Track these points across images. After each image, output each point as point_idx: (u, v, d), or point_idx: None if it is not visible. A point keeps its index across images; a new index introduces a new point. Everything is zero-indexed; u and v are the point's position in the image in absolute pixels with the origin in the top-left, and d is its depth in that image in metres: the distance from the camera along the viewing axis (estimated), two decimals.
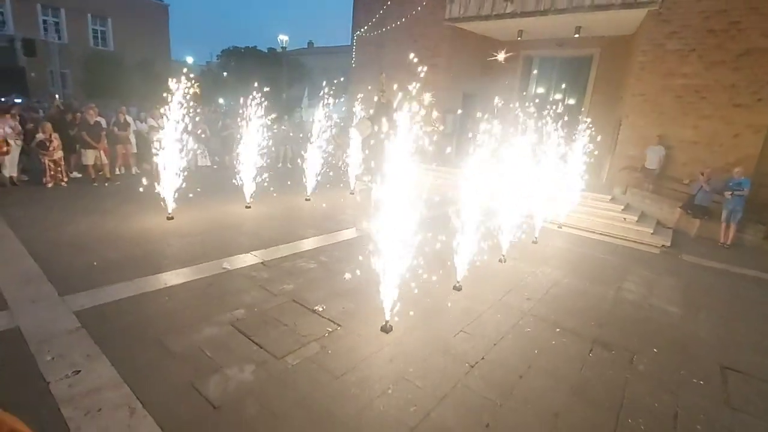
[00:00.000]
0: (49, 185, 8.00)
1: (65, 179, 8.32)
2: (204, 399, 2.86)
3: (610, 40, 12.00)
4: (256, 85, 7.29)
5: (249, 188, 7.90)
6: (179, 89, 6.28)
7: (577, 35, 11.31)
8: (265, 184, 8.32)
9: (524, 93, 14.06)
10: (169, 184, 6.67)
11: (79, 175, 8.98)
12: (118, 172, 9.63)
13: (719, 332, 4.56)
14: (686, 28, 8.94)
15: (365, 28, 14.72)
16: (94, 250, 5.26)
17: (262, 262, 5.33)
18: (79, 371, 3.00)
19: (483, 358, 3.63)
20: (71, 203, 7.24)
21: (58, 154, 8.10)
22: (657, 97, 9.51)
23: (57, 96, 13.97)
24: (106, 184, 8.62)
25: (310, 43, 38.45)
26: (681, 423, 3.02)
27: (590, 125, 8.18)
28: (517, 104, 6.28)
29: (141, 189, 6.54)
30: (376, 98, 6.96)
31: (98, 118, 8.88)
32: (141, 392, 2.84)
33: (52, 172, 8.01)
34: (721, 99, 8.74)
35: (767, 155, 8.59)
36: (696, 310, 5.05)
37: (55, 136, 8.04)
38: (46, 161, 7.89)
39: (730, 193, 7.76)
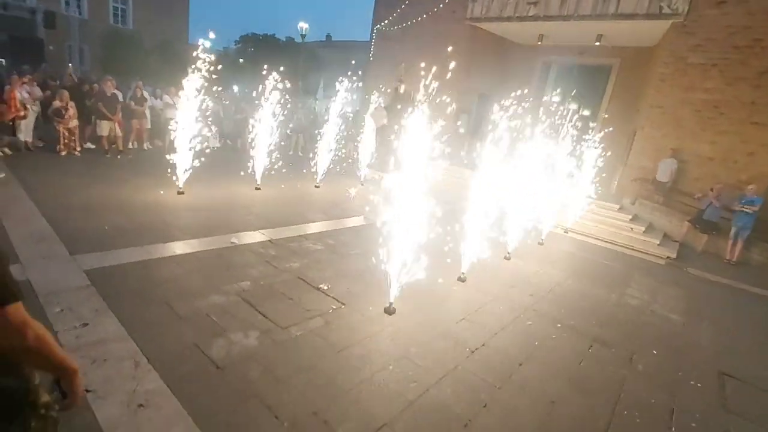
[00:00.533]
0: (63, 153, 8.09)
1: (78, 148, 8.41)
2: (208, 359, 2.90)
3: (630, 50, 11.95)
4: (271, 69, 7.31)
5: (259, 171, 7.95)
6: (199, 68, 6.34)
7: (598, 43, 11.28)
8: (276, 169, 8.37)
9: (541, 99, 14.04)
10: (180, 160, 6.73)
11: (93, 146, 9.07)
12: (130, 146, 9.71)
13: (720, 341, 4.56)
14: (710, 42, 8.89)
15: (385, 22, 14.75)
16: (105, 216, 5.32)
17: (269, 240, 5.38)
18: (87, 324, 3.06)
19: (483, 345, 3.65)
20: (84, 171, 7.33)
21: (73, 123, 8.19)
22: (675, 110, 9.46)
23: (70, 65, 14.07)
24: (119, 157, 8.70)
25: (328, 36, 38.48)
26: (676, 420, 3.04)
27: (604, 135, 8.16)
28: (532, 109, 6.29)
29: (153, 164, 6.61)
30: (393, 88, 6.97)
31: (115, 91, 8.96)
32: (146, 348, 2.89)
33: (66, 141, 8.10)
34: (740, 115, 8.69)
35: None
36: (698, 320, 5.05)
37: (71, 104, 8.13)
38: (61, 129, 7.98)
39: (740, 206, 7.71)
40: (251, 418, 2.46)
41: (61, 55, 21.03)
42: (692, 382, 3.60)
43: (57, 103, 7.91)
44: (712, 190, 8.31)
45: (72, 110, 8.04)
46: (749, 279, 7.14)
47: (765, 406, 3.44)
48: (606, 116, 9.38)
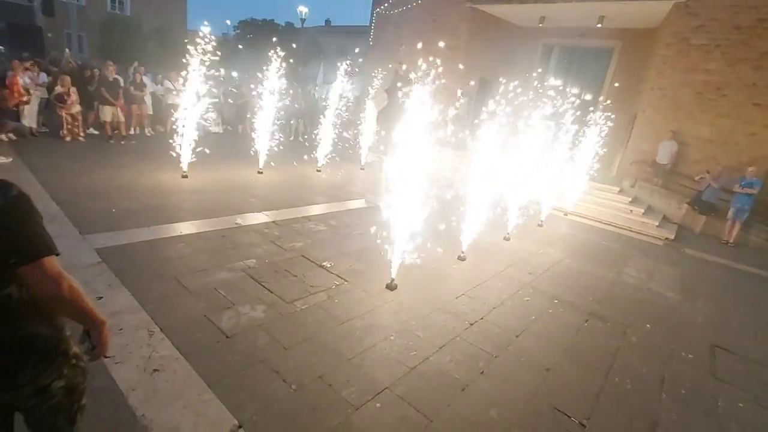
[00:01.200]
0: (67, 139, 8.16)
1: (82, 134, 8.48)
2: (218, 329, 3.03)
3: (632, 32, 11.85)
4: (273, 54, 7.32)
5: (262, 155, 8.02)
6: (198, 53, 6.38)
7: (599, 25, 11.18)
8: (278, 154, 8.43)
9: (542, 82, 13.97)
10: (184, 144, 6.81)
11: (96, 132, 9.13)
12: (132, 132, 9.77)
13: (713, 317, 4.68)
14: (713, 21, 8.82)
15: (385, 5, 14.60)
16: (112, 198, 5.43)
17: (273, 221, 5.49)
18: (101, 297, 3.18)
19: (482, 318, 3.78)
20: (89, 156, 7.41)
21: (76, 109, 8.24)
22: (676, 92, 9.44)
23: (67, 50, 14.02)
24: (122, 142, 8.76)
25: (328, 22, 38.06)
26: (667, 386, 3.17)
27: (606, 118, 8.17)
28: (533, 92, 6.31)
29: (156, 149, 6.70)
30: (394, 70, 6.99)
31: (116, 76, 8.99)
32: (159, 319, 3.02)
33: (69, 126, 8.16)
34: (741, 97, 8.68)
35: None
36: (693, 297, 5.16)
37: (73, 90, 8.17)
38: (64, 114, 8.04)
39: (740, 188, 7.77)
40: (260, 381, 2.60)
41: (60, 43, 20.91)
42: (684, 354, 3.73)
43: (59, 89, 7.95)
44: (708, 172, 8.37)
45: (74, 96, 8.09)
46: (746, 259, 7.24)
47: (753, 375, 3.57)
48: (608, 102, 9.35)
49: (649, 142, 9.76)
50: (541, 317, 3.99)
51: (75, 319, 1.34)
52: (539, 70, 13.15)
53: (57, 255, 1.24)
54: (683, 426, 2.78)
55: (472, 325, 3.65)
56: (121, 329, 2.86)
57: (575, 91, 13.53)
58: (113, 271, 3.58)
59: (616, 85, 10.27)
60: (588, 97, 13.10)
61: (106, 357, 1.73)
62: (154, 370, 2.56)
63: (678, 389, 3.16)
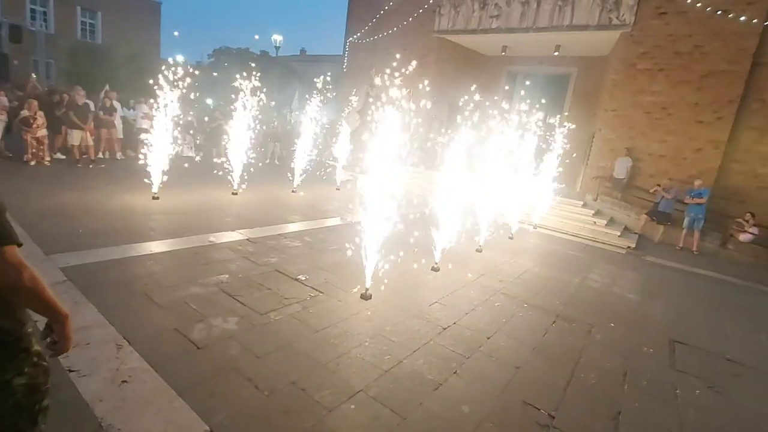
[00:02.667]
0: (32, 163, 7.95)
1: (48, 159, 8.28)
2: (188, 340, 3.00)
3: (586, 60, 12.74)
4: (247, 82, 7.47)
5: (236, 177, 8.04)
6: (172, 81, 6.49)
7: (556, 53, 11.99)
8: (252, 176, 8.47)
9: (507, 106, 14.66)
10: (155, 166, 6.77)
11: (63, 157, 8.94)
12: (101, 156, 9.61)
13: (671, 315, 4.95)
14: (656, 49, 9.65)
15: (358, 35, 15.20)
16: (79, 219, 5.31)
17: (247, 239, 5.48)
18: (66, 315, 3.10)
19: (455, 323, 3.88)
20: (55, 180, 7.23)
21: (42, 133, 8.08)
22: (628, 112, 10.15)
23: (33, 75, 13.75)
24: (90, 166, 8.59)
25: (303, 51, 38.91)
26: (629, 379, 3.32)
27: (566, 138, 8.68)
28: (499, 115, 6.68)
29: (126, 172, 6.64)
30: (365, 92, 7.26)
31: (86, 101, 8.91)
32: (127, 333, 2.97)
33: (34, 150, 7.97)
34: (686, 116, 9.42)
35: (726, 169, 9.26)
36: (653, 298, 5.44)
37: (39, 114, 8.03)
38: (29, 138, 7.86)
39: (690, 198, 8.34)
40: (231, 389, 2.58)
41: (26, 69, 20.48)
42: (645, 349, 3.92)
43: (24, 113, 7.81)
44: (659, 185, 8.95)
45: (40, 119, 7.94)
46: (702, 264, 7.70)
47: (709, 365, 3.79)
48: (567, 124, 9.97)
49: (607, 158, 10.38)
50: (511, 320, 4.13)
51: (37, 310, 1.33)
52: (502, 97, 13.85)
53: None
54: (644, 413, 2.92)
55: (444, 329, 3.74)
56: (88, 344, 2.79)
57: (539, 114, 14.29)
58: (79, 289, 3.49)
59: (566, 114, 10.88)
60: (551, 119, 13.84)
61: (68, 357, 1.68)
62: (123, 381, 2.51)
63: (640, 381, 3.32)
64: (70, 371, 2.50)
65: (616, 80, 10.23)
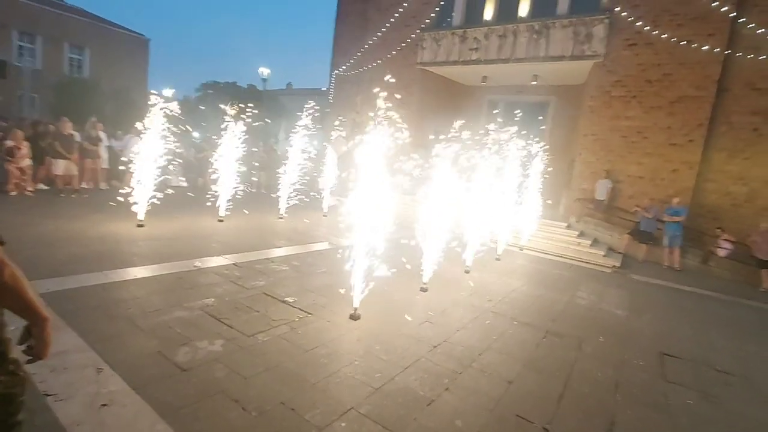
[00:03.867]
0: (13, 193, 7.81)
1: (30, 188, 8.16)
2: (172, 363, 2.91)
3: (564, 88, 13.34)
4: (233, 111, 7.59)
5: (222, 204, 8.01)
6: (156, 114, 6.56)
7: (534, 83, 12.54)
8: (239, 203, 8.45)
9: (488, 133, 15.11)
10: (140, 195, 6.72)
11: (46, 187, 8.81)
12: (85, 186, 9.50)
13: (660, 329, 4.99)
14: (628, 77, 10.18)
15: (343, 68, 15.68)
16: (61, 247, 5.19)
17: (233, 263, 5.41)
18: (47, 318, 2.98)
19: (445, 341, 3.84)
20: (37, 209, 7.10)
21: (26, 163, 8.00)
22: (606, 136, 10.57)
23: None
24: (73, 196, 8.48)
25: (289, 85, 39.87)
26: (621, 389, 3.31)
27: (548, 163, 8.98)
28: (481, 142, 6.89)
29: (110, 201, 6.58)
30: (351, 119, 7.43)
31: (72, 132, 8.89)
32: (108, 357, 2.86)
33: (16, 180, 7.85)
34: (660, 139, 9.84)
35: (701, 189, 9.60)
36: (640, 313, 5.50)
37: (24, 144, 7.98)
38: (12, 168, 7.76)
39: (668, 217, 8.60)
40: (218, 411, 2.49)
41: (10, 104, 20.46)
42: (635, 361, 3.93)
43: (9, 143, 7.74)
44: (638, 206, 9.23)
45: (25, 149, 7.88)
46: (684, 280, 7.84)
47: (699, 376, 3.81)
48: (547, 149, 10.36)
49: (589, 181, 10.68)
50: (501, 337, 4.11)
51: (16, 311, 1.28)
52: (484, 124, 14.30)
53: (3, 244, 1.23)
54: (638, 421, 2.89)
55: (435, 347, 3.70)
56: (65, 368, 2.68)
57: (521, 141, 14.75)
58: (59, 314, 3.37)
59: (546, 146, 11.24)
60: (532, 145, 14.28)
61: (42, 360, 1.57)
62: (102, 405, 2.40)
63: (632, 391, 3.31)
64: (47, 395, 2.39)
65: (593, 107, 10.69)
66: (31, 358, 1.37)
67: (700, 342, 4.76)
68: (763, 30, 8.73)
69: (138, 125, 6.68)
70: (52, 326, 2.13)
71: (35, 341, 1.35)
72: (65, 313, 3.39)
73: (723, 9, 8.99)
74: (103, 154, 9.69)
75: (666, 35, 9.55)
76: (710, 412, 3.18)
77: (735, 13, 8.95)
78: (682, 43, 9.39)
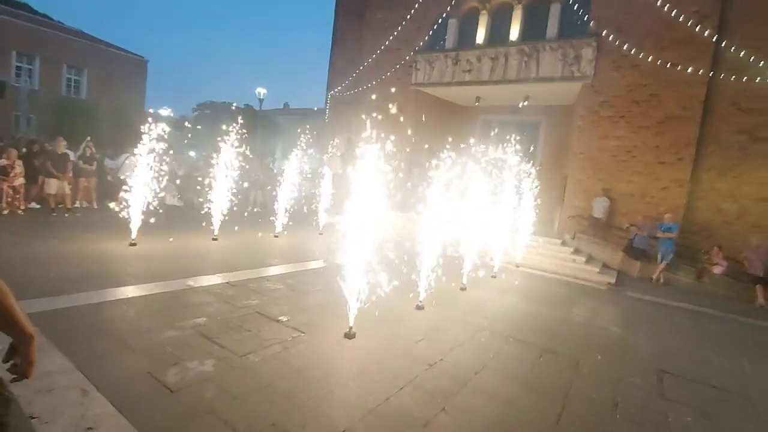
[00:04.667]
0: (5, 212, 7.74)
1: (23, 207, 8.10)
2: (161, 384, 2.84)
3: (554, 108, 13.61)
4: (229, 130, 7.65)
5: (217, 223, 7.97)
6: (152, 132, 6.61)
7: (525, 103, 12.79)
8: (234, 222, 8.43)
9: (483, 152, 15.31)
10: (134, 213, 6.69)
11: (38, 206, 8.75)
12: (78, 205, 9.45)
13: (656, 346, 4.96)
14: (615, 98, 10.43)
15: (339, 88, 15.94)
16: (52, 266, 5.12)
17: (227, 282, 5.36)
18: (32, 335, 2.91)
19: (441, 360, 3.79)
20: (28, 229, 7.04)
21: (19, 181, 7.96)
22: (596, 155, 10.73)
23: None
24: (66, 215, 8.43)
25: (286, 105, 40.37)
26: (620, 408, 3.26)
27: (541, 181, 9.09)
28: (475, 161, 6.98)
29: (103, 221, 6.54)
30: (347, 138, 7.51)
31: (66, 151, 8.90)
32: (95, 378, 2.79)
33: (9, 199, 7.80)
34: (649, 158, 10.01)
35: (692, 206, 9.72)
36: (636, 331, 5.47)
37: (18, 163, 7.97)
38: (5, 187, 7.72)
39: (661, 233, 8.67)
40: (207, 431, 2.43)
41: (7, 124, 20.51)
42: (633, 379, 3.88)
43: (3, 161, 7.72)
44: (632, 224, 9.31)
45: (19, 168, 7.86)
46: (679, 297, 7.84)
47: (697, 393, 3.77)
48: (538, 168, 10.55)
49: (581, 199, 10.79)
50: (497, 355, 4.06)
51: (1, 327, 1.27)
52: (477, 144, 14.50)
53: None
54: None
55: (431, 366, 3.65)
56: (50, 390, 2.61)
57: (514, 160, 14.96)
58: (47, 335, 3.30)
59: (539, 168, 11.42)
60: (525, 164, 14.47)
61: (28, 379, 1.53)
62: (87, 428, 2.33)
63: (630, 410, 3.26)
64: (32, 418, 2.32)
65: (582, 126, 10.90)
66: (15, 377, 1.33)
67: (696, 358, 4.73)
68: (744, 53, 9.03)
69: (135, 149, 6.69)
70: (39, 347, 2.10)
71: (20, 359, 1.31)
72: (54, 334, 3.32)
73: (706, 33, 9.31)
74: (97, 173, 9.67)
75: (651, 57, 9.84)
76: (708, 429, 3.14)
77: (717, 37, 9.26)
78: (668, 65, 9.67)
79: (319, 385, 3.08)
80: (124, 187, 6.90)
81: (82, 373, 2.84)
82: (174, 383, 2.86)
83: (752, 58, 8.95)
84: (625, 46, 10.15)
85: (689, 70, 9.45)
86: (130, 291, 4.60)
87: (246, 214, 10.91)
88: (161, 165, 6.97)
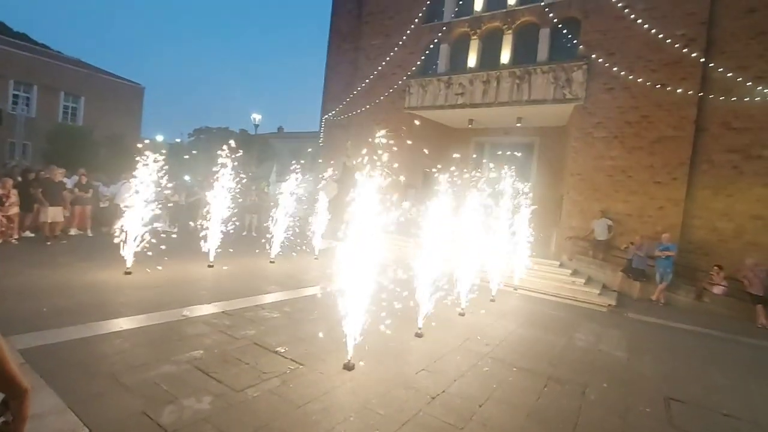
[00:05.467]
0: None
1: (16, 236, 8.00)
2: (157, 425, 2.73)
3: (547, 129, 13.82)
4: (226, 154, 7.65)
5: (212, 250, 7.90)
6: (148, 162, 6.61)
7: (518, 124, 13.00)
8: (229, 247, 8.36)
9: (476, 173, 15.43)
10: (129, 241, 6.62)
11: (32, 235, 8.65)
12: (72, 233, 9.35)
13: (661, 371, 4.88)
14: (608, 119, 10.62)
15: (333, 113, 16.16)
16: (43, 298, 5.01)
17: (223, 311, 5.25)
18: (27, 389, 2.80)
19: (444, 391, 3.69)
20: (21, 258, 6.92)
21: (14, 210, 7.89)
22: (591, 176, 10.84)
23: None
24: (64, 242, 8.33)
25: (280, 128, 40.72)
26: None
27: (536, 202, 9.13)
28: (469, 183, 7.02)
29: (98, 249, 6.47)
30: (342, 163, 7.55)
31: (63, 179, 8.87)
32: (88, 419, 2.69)
33: (3, 228, 7.70)
34: (644, 177, 10.12)
35: (688, 225, 9.78)
36: (640, 354, 5.39)
37: (13, 192, 7.91)
38: (0, 216, 7.64)
39: (659, 252, 8.68)
40: None
41: (2, 151, 20.51)
42: (641, 408, 3.80)
43: None
44: (632, 244, 9.31)
45: (14, 197, 7.80)
46: (680, 318, 7.79)
47: (706, 420, 3.69)
48: (533, 186, 10.68)
49: (577, 219, 10.83)
50: (501, 385, 3.97)
51: None
52: (471, 166, 14.65)
53: None
54: None
55: (434, 398, 3.55)
56: None
57: (508, 181, 15.06)
58: (38, 372, 3.20)
59: (532, 186, 11.51)
60: (519, 185, 14.56)
61: None
62: None
63: None
64: None
65: (576, 147, 11.05)
66: (7, 430, 1.27)
67: (703, 383, 4.65)
68: (732, 73, 9.27)
69: (131, 175, 6.67)
70: (32, 385, 2.04)
71: (12, 416, 1.25)
72: (45, 371, 3.21)
73: (693, 55, 9.58)
74: (93, 200, 9.62)
75: (641, 79, 10.08)
76: None
77: (704, 59, 9.53)
78: (657, 86, 9.90)
79: (320, 423, 2.98)
80: (122, 214, 6.85)
81: (75, 413, 2.74)
82: (170, 424, 2.76)
83: (740, 78, 9.20)
84: (615, 69, 10.41)
85: (679, 92, 9.68)
86: (124, 323, 4.49)
87: (242, 236, 10.83)
88: (156, 192, 6.94)
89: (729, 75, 9.32)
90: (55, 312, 4.56)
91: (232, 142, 7.77)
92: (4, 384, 1.20)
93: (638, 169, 10.20)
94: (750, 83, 9.11)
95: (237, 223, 10.93)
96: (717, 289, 8.65)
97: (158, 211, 9.01)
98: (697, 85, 9.61)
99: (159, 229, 10.79)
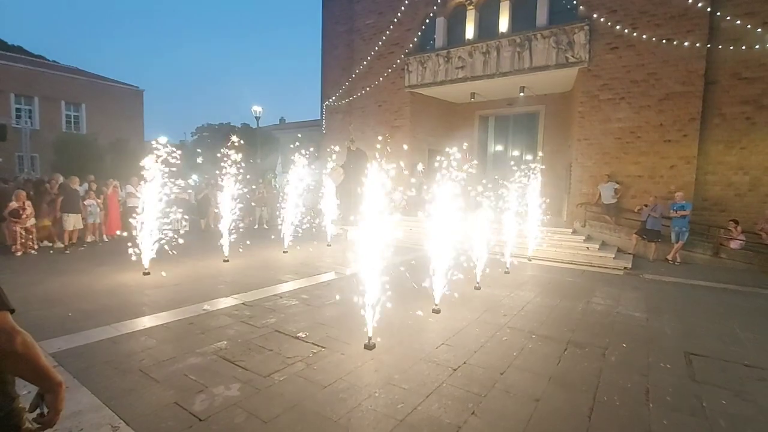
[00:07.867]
0: (19, 254, 7.85)
1: (36, 247, 8.20)
2: (189, 414, 2.83)
3: (552, 96, 13.54)
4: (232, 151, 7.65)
5: (226, 245, 8.01)
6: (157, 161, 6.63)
7: (522, 94, 12.74)
8: (242, 242, 8.46)
9: (484, 148, 15.25)
10: (145, 242, 6.73)
11: (50, 244, 8.86)
12: (89, 240, 9.55)
13: (681, 328, 4.87)
14: (614, 80, 10.34)
15: (333, 98, 16.00)
16: (68, 303, 5.16)
17: (243, 303, 5.36)
18: (61, 383, 2.93)
19: (465, 363, 3.75)
20: (43, 267, 7.12)
21: (31, 222, 8.07)
22: (599, 140, 10.64)
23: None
24: (82, 249, 8.52)
25: (282, 120, 40.54)
26: (653, 396, 3.20)
27: (544, 170, 9.01)
28: (475, 157, 6.91)
29: (114, 253, 6.59)
30: (346, 147, 7.52)
31: (77, 187, 9.02)
32: (123, 413, 2.80)
33: (22, 240, 7.90)
34: (653, 137, 9.90)
35: (702, 181, 9.59)
36: (659, 313, 5.38)
37: (28, 204, 8.07)
38: (18, 229, 7.83)
39: (674, 212, 8.55)
40: None
41: (11, 165, 20.82)
42: (662, 364, 3.81)
43: (13, 204, 7.83)
44: (646, 205, 9.19)
45: (29, 209, 7.97)
46: (697, 275, 7.72)
47: (729, 374, 3.69)
48: (541, 155, 10.51)
49: (587, 185, 10.69)
50: (521, 353, 4.01)
51: (29, 379, 1.25)
52: (477, 140, 14.45)
53: (12, 311, 1.22)
54: (675, 428, 2.78)
55: (455, 370, 3.61)
56: (81, 429, 2.61)
57: (515, 153, 14.87)
58: (71, 373, 3.32)
59: (540, 154, 11.33)
60: (527, 156, 14.38)
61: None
62: None
63: (663, 397, 3.20)
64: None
65: (583, 112, 10.82)
66: (40, 425, 1.32)
67: (724, 337, 4.64)
68: (740, 21, 8.92)
69: (142, 175, 6.72)
70: (67, 385, 2.11)
71: (48, 408, 1.30)
72: (77, 372, 3.33)
73: (699, 5, 9.22)
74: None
75: (646, 36, 9.76)
76: (747, 411, 3.06)
77: (710, 8, 9.16)
78: (663, 41, 9.58)
79: (346, 400, 3.05)
80: (134, 215, 6.96)
81: (111, 408, 2.85)
82: (202, 411, 2.85)
83: (748, 25, 8.85)
84: (618, 27, 10.08)
85: (686, 45, 9.36)
86: (148, 321, 4.61)
87: (254, 230, 10.95)
88: (166, 192, 7.00)
89: (737, 23, 8.97)
90: (81, 316, 4.70)
91: (234, 138, 7.78)
92: (38, 378, 1.26)
93: (647, 128, 9.97)
94: (759, 30, 8.75)
95: (246, 219, 11.05)
96: (734, 244, 8.53)
97: (178, 215, 9.15)
98: (704, 37, 9.28)
99: (173, 228, 10.98)
